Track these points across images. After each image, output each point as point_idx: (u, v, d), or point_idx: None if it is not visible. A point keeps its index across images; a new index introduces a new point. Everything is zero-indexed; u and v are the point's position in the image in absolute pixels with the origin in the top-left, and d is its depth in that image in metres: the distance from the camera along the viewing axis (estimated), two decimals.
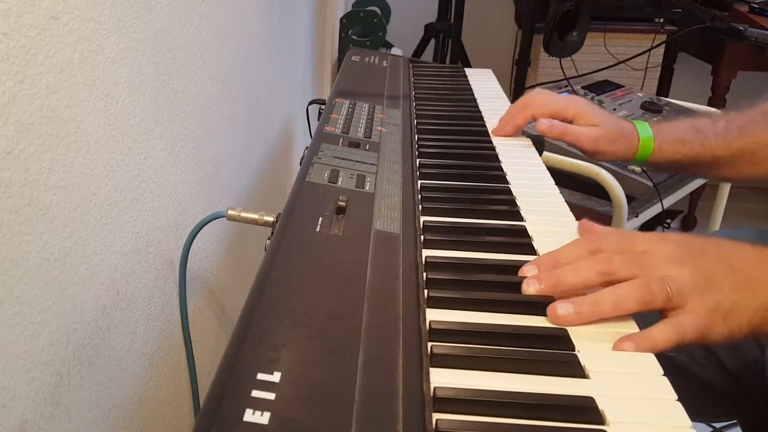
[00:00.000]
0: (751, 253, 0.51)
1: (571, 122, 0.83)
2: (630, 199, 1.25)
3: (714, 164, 0.81)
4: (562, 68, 1.65)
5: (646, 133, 0.81)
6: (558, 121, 0.82)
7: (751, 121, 0.80)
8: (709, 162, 0.81)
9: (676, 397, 0.40)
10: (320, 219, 0.54)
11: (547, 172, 0.74)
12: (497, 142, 0.82)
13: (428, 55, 2.10)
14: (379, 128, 0.79)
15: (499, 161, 0.75)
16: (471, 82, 1.07)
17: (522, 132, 0.86)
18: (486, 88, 1.05)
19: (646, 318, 0.48)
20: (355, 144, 0.72)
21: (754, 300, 0.48)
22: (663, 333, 0.47)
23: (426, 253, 0.54)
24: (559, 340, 0.45)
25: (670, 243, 0.51)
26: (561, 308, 0.47)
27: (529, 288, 0.49)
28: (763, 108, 0.81)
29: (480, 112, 0.93)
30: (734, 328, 0.48)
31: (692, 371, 0.76)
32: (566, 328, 0.46)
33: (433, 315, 0.46)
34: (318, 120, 0.83)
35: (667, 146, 0.81)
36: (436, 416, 0.38)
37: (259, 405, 0.34)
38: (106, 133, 0.53)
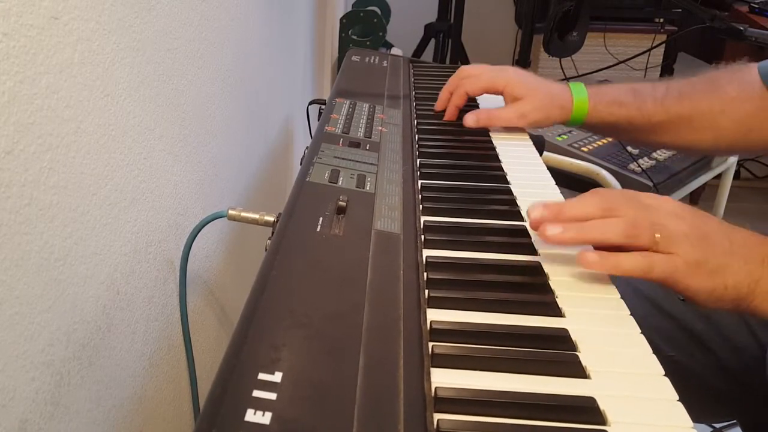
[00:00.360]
0: (749, 232, 0.53)
1: (502, 93, 0.82)
2: None
3: (650, 129, 0.80)
4: (562, 68, 1.65)
5: (581, 94, 0.79)
6: (481, 112, 0.82)
7: (693, 87, 0.78)
8: (644, 127, 0.80)
9: (677, 398, 0.40)
10: (321, 219, 0.54)
11: (548, 172, 0.74)
12: (497, 142, 0.82)
13: (428, 55, 2.10)
14: (380, 128, 0.78)
15: (499, 161, 0.75)
16: None
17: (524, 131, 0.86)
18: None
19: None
20: (355, 144, 0.72)
21: (743, 268, 0.50)
22: (631, 259, 0.49)
23: (426, 253, 0.54)
24: (560, 340, 0.45)
25: (675, 203, 0.53)
26: (550, 228, 0.50)
27: (533, 212, 0.52)
28: (709, 75, 0.79)
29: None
30: (719, 287, 0.49)
31: (693, 371, 0.76)
32: (566, 327, 0.46)
33: (434, 315, 0.46)
34: (318, 120, 0.83)
35: (603, 107, 0.79)
36: (437, 416, 0.38)
37: (261, 405, 0.34)
38: (106, 133, 0.53)
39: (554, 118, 0.81)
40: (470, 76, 0.85)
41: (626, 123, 0.80)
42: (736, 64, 0.80)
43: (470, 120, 0.82)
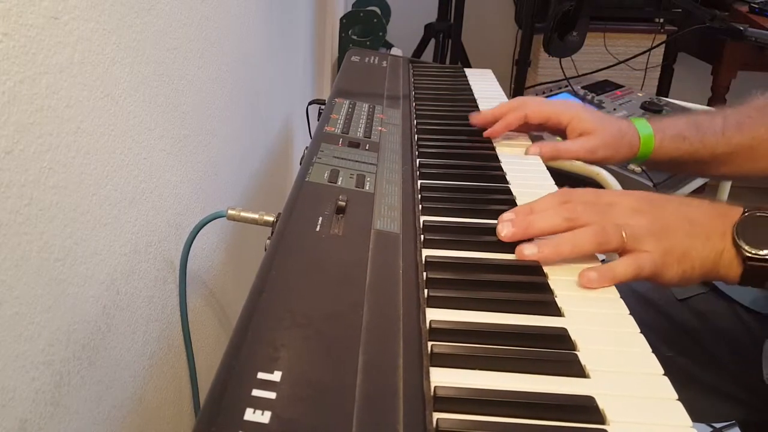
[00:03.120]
0: (708, 207, 0.56)
1: (566, 128, 0.80)
2: None
3: (713, 161, 0.80)
4: (562, 68, 1.65)
5: (645, 130, 0.79)
6: (546, 144, 0.79)
7: (748, 117, 0.80)
8: (707, 159, 0.80)
9: (677, 397, 0.40)
10: (320, 219, 0.54)
11: (547, 172, 0.74)
12: (497, 142, 0.82)
13: (428, 55, 2.10)
14: (379, 128, 0.79)
15: (499, 161, 0.75)
16: (471, 83, 1.07)
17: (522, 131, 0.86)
18: (486, 88, 1.05)
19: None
20: (355, 144, 0.72)
21: (706, 245, 0.53)
22: (622, 265, 0.52)
23: (426, 252, 0.54)
24: (560, 339, 0.45)
25: (632, 197, 0.57)
26: (527, 248, 0.54)
27: (503, 231, 0.56)
28: (756, 103, 0.80)
29: (480, 112, 0.92)
30: (687, 269, 0.53)
31: (692, 371, 0.76)
32: (565, 327, 0.46)
33: (433, 314, 0.46)
34: (318, 120, 0.83)
35: (668, 143, 0.80)
36: (436, 416, 0.38)
37: (260, 404, 0.34)
38: (106, 133, 0.53)
39: (622, 156, 0.80)
40: (533, 102, 0.82)
41: (689, 157, 0.80)
42: None
43: (533, 151, 0.79)
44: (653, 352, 0.44)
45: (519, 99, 0.85)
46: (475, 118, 0.84)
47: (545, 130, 0.85)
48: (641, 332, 0.47)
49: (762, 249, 0.52)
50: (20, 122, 0.41)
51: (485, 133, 0.82)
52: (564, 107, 0.82)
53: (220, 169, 0.86)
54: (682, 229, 0.54)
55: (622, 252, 0.54)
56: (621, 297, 0.51)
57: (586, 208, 0.55)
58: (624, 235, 0.53)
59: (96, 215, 0.53)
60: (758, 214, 0.53)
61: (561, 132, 0.82)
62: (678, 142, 0.80)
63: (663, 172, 1.34)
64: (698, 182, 1.57)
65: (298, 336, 0.40)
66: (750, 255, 0.52)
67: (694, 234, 0.54)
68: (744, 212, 0.54)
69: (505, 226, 0.56)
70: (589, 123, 0.79)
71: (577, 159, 0.80)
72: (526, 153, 0.79)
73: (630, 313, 0.49)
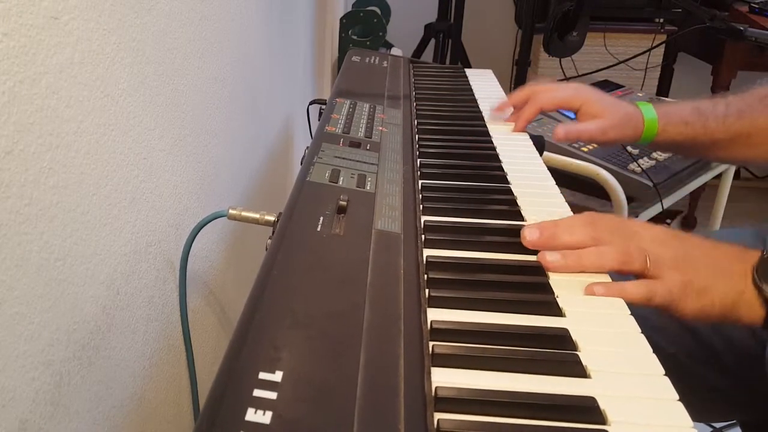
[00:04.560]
0: (728, 248, 0.56)
1: (577, 111, 0.85)
2: (630, 199, 1.25)
3: (712, 146, 0.84)
4: (562, 68, 1.65)
5: (650, 114, 0.83)
6: (570, 125, 0.84)
7: (749, 105, 0.83)
8: (708, 144, 0.84)
9: (677, 397, 0.40)
10: (321, 218, 0.54)
11: (548, 172, 0.74)
12: (497, 142, 0.82)
13: (428, 55, 2.10)
14: (380, 128, 0.78)
15: (499, 161, 0.75)
16: (471, 83, 1.07)
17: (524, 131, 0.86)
18: (486, 88, 1.05)
19: None
20: (355, 144, 0.72)
21: (728, 284, 0.53)
22: (634, 287, 0.52)
23: (427, 252, 0.54)
24: (561, 339, 0.45)
25: (656, 229, 0.57)
26: (550, 255, 0.54)
27: (529, 236, 0.55)
28: (759, 92, 0.83)
29: (480, 112, 0.93)
30: (707, 304, 0.53)
31: (693, 371, 0.76)
32: (566, 327, 0.46)
33: (434, 314, 0.46)
34: (318, 120, 0.83)
35: (671, 128, 0.84)
36: (437, 416, 0.38)
37: (261, 404, 0.34)
38: (106, 133, 0.53)
39: (628, 137, 0.85)
40: (545, 91, 0.87)
41: (691, 141, 0.84)
42: None
43: (561, 133, 0.83)
44: (656, 349, 0.44)
45: (529, 90, 0.89)
46: (495, 111, 0.90)
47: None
48: (644, 330, 0.47)
49: None
50: (20, 122, 0.41)
51: (515, 129, 0.87)
52: (575, 92, 0.86)
53: (220, 169, 0.86)
54: (704, 265, 0.54)
55: (640, 277, 0.53)
56: None
57: (612, 231, 0.55)
58: (648, 259, 0.53)
59: (96, 215, 0.53)
60: None
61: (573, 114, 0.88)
62: (680, 127, 0.84)
63: (663, 173, 1.34)
64: (698, 182, 1.57)
65: (299, 336, 0.40)
66: None
67: (715, 271, 0.54)
68: (763, 254, 0.54)
69: (532, 232, 0.55)
70: (599, 106, 0.84)
71: (593, 139, 0.85)
72: (554, 137, 0.84)
73: (633, 311, 0.49)
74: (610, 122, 0.83)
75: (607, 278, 0.53)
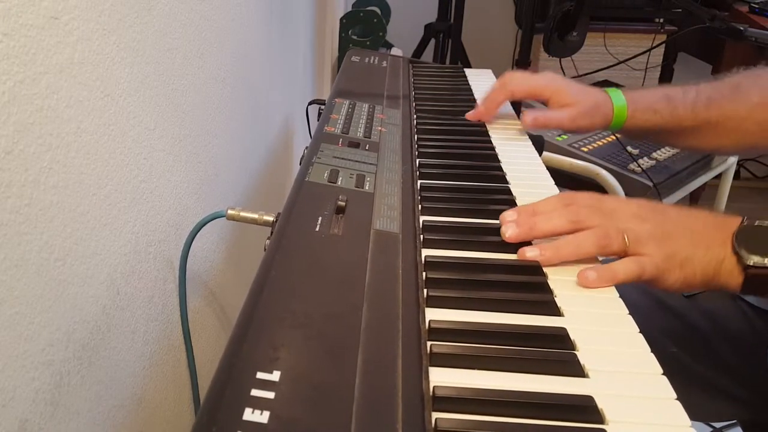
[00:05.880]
0: (707, 217, 0.57)
1: (548, 101, 0.85)
2: None
3: (680, 134, 0.84)
4: (562, 68, 1.65)
5: (619, 101, 0.83)
6: (539, 112, 0.84)
7: (720, 93, 0.82)
8: (676, 132, 0.84)
9: (675, 396, 0.40)
10: (320, 219, 0.54)
11: (547, 172, 0.74)
12: (497, 142, 0.82)
13: (428, 55, 2.10)
14: (379, 128, 0.79)
15: (498, 161, 0.75)
16: (471, 83, 1.07)
17: (523, 132, 0.86)
18: (486, 88, 1.04)
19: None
20: (354, 144, 0.72)
21: (707, 253, 0.54)
22: (623, 266, 0.53)
23: (425, 252, 0.54)
24: (559, 339, 0.45)
25: (634, 203, 0.58)
26: (529, 251, 0.54)
27: (507, 231, 0.56)
28: (732, 81, 0.83)
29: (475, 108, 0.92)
30: (689, 275, 0.54)
31: (694, 369, 0.76)
32: (564, 327, 0.46)
33: (433, 314, 0.47)
34: (318, 120, 0.83)
35: (640, 114, 0.83)
36: (435, 415, 0.38)
37: (259, 404, 0.34)
38: (106, 133, 0.54)
39: (597, 125, 0.85)
40: (517, 77, 0.87)
41: (659, 129, 0.84)
42: (757, 68, 0.83)
43: (529, 120, 0.83)
44: (657, 348, 0.44)
45: (502, 78, 0.89)
46: (470, 114, 0.89)
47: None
48: (645, 328, 0.47)
49: (762, 257, 0.52)
50: (20, 122, 0.41)
51: (474, 115, 0.87)
52: (546, 81, 0.86)
53: (220, 169, 0.87)
54: (683, 237, 0.55)
55: (623, 256, 0.54)
56: (626, 292, 0.51)
57: (590, 211, 0.56)
58: (626, 238, 0.54)
59: (96, 215, 0.53)
60: (757, 223, 0.54)
61: (544, 104, 0.87)
62: (649, 114, 0.83)
63: (663, 173, 1.35)
64: (698, 182, 1.57)
65: (297, 336, 0.40)
66: (750, 263, 0.52)
67: (695, 242, 0.54)
68: (743, 222, 0.55)
69: (510, 227, 0.56)
70: (569, 96, 0.84)
71: (561, 127, 0.85)
72: (523, 123, 0.85)
73: (635, 310, 0.49)
74: (579, 110, 0.83)
75: (596, 262, 0.55)
